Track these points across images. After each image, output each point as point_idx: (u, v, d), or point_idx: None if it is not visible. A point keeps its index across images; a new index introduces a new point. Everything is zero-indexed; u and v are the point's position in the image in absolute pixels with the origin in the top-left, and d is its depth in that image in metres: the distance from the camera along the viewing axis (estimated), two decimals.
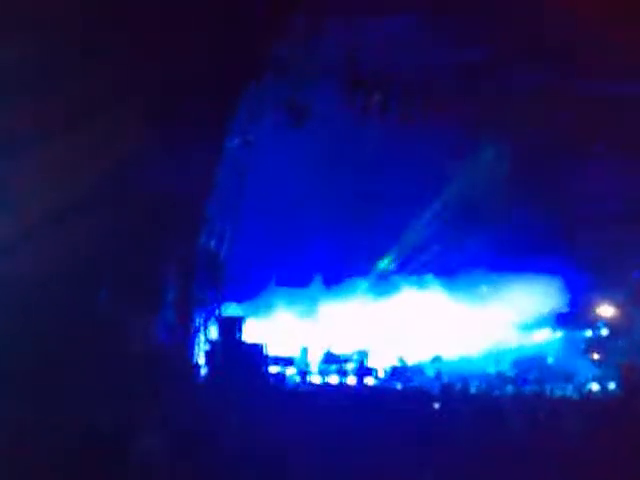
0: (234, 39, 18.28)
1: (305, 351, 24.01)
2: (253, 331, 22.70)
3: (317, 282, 25.96)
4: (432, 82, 23.16)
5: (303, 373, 23.42)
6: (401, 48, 21.34)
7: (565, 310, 27.83)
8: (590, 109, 23.27)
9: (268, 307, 24.90)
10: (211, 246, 21.42)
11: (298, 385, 22.43)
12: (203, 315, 21.08)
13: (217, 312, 21.64)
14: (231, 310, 22.96)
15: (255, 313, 24.21)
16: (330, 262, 25.89)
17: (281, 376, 22.74)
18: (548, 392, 21.74)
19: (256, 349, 21.88)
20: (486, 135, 25.70)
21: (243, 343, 21.99)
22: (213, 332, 21.41)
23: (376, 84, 23.20)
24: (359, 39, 20.97)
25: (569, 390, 22.40)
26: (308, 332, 24.85)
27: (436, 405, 19.32)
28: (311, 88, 22.34)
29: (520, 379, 24.44)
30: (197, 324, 20.79)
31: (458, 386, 22.23)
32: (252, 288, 24.91)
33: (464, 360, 25.46)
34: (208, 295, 21.30)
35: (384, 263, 26.82)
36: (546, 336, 27.15)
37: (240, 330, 22.00)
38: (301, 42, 20.21)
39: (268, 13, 18.35)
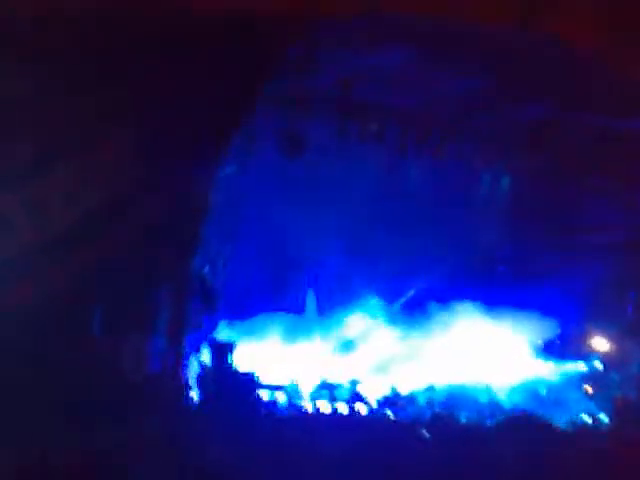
0: (228, 71, 18.40)
1: (296, 379, 23.96)
2: (245, 357, 22.71)
3: (311, 309, 25.95)
4: (429, 114, 23.30)
5: (294, 400, 23.36)
6: (398, 80, 21.46)
7: (558, 342, 27.88)
8: (589, 142, 23.41)
9: (261, 332, 24.86)
10: (205, 271, 21.48)
11: (289, 412, 22.36)
12: (195, 340, 21.09)
13: (210, 337, 21.68)
14: (224, 335, 22.97)
15: (248, 338, 24.19)
16: (325, 289, 25.93)
17: (272, 403, 22.70)
18: (540, 423, 21.64)
19: (248, 375, 21.88)
20: (484, 166, 25.86)
21: (235, 369, 22.01)
22: (205, 357, 21.43)
23: (372, 114, 23.36)
24: (355, 70, 21.10)
25: (562, 422, 22.33)
26: (300, 359, 24.79)
27: (427, 434, 19.28)
28: (306, 118, 22.54)
29: (512, 409, 24.42)
30: (189, 349, 20.78)
31: (450, 415, 22.22)
32: (245, 313, 24.88)
33: (457, 389, 25.42)
34: (201, 320, 21.34)
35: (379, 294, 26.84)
36: (539, 368, 27.14)
37: (232, 356, 22.02)
38: (296, 73, 20.35)
39: (263, 45, 18.47)
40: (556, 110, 22.22)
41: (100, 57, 17.14)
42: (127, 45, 17.23)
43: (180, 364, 20.13)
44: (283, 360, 24.59)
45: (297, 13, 17.91)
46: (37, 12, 16.14)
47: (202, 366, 20.98)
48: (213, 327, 21.88)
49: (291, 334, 25.42)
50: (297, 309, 25.86)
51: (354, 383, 24.51)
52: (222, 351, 21.75)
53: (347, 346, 26.15)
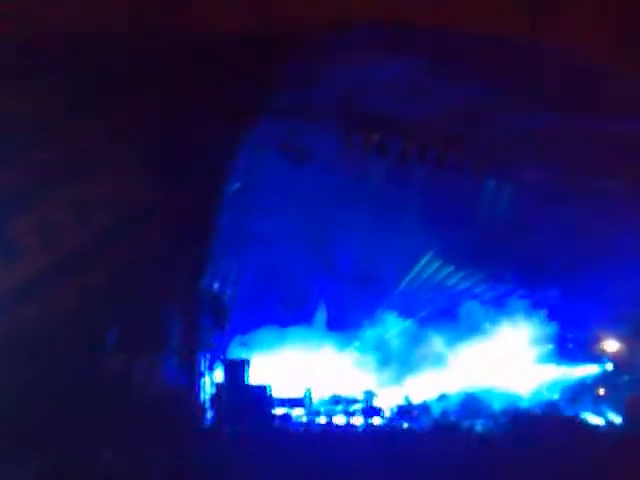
0: (229, 83, 18.42)
1: (310, 392, 23.91)
2: (258, 372, 22.66)
3: (320, 323, 25.91)
4: (431, 124, 23.25)
5: (309, 414, 23.32)
6: (400, 91, 21.41)
7: (570, 345, 27.83)
8: (595, 148, 23.36)
9: (273, 348, 24.82)
10: (215, 288, 21.46)
11: (304, 426, 22.31)
12: (208, 358, 21.07)
13: (222, 355, 21.65)
14: (236, 352, 22.94)
15: (260, 354, 24.13)
16: (334, 303, 25.87)
17: (287, 417, 22.66)
18: (554, 428, 21.58)
19: (261, 391, 21.86)
20: (488, 176, 25.81)
21: (248, 385, 21.97)
22: (218, 375, 21.39)
23: (375, 125, 23.33)
24: (357, 81, 21.08)
25: (575, 425, 22.28)
26: (313, 373, 24.74)
27: (442, 444, 19.21)
28: (310, 130, 22.54)
29: (525, 416, 24.37)
30: (202, 367, 20.76)
31: (465, 424, 22.16)
32: (256, 329, 24.85)
33: (470, 398, 25.37)
34: (213, 338, 21.31)
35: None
36: (551, 372, 27.11)
37: (245, 372, 21.99)
38: (299, 86, 20.35)
39: (265, 59, 18.49)
40: (560, 118, 22.18)
41: (103, 75, 17.22)
42: (130, 64, 17.31)
43: (194, 383, 20.12)
44: (296, 374, 24.51)
45: (298, 27, 17.96)
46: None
47: (216, 385, 20.91)
48: (225, 344, 21.82)
49: (302, 347, 25.36)
50: (308, 323, 25.79)
51: (368, 395, 24.49)
52: (236, 368, 21.72)
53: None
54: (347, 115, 22.77)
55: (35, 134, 16.95)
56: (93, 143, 17.38)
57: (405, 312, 26.57)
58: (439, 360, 26.37)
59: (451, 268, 26.80)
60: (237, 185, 21.68)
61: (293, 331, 25.20)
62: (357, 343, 26.00)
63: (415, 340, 26.54)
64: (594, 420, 23.59)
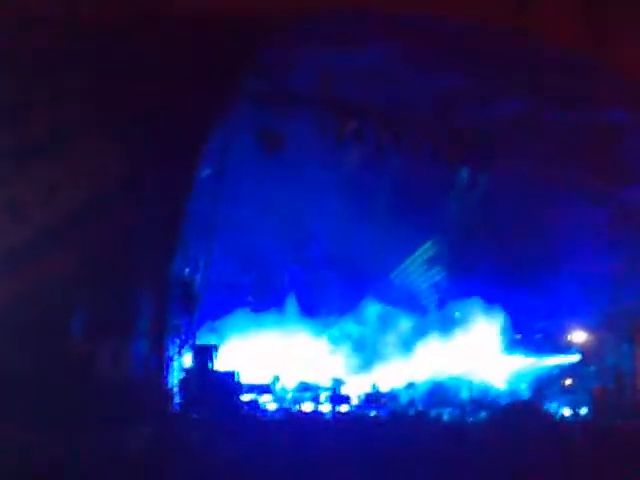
0: (205, 68, 18.28)
1: (277, 379, 23.92)
2: (227, 358, 22.62)
3: (291, 309, 25.81)
4: (407, 112, 23.24)
5: (277, 401, 23.33)
6: (376, 78, 21.39)
7: (538, 336, 28.01)
8: (567, 138, 23.45)
9: (243, 334, 24.74)
10: (186, 273, 21.35)
11: (272, 413, 22.33)
12: (177, 343, 20.96)
13: (191, 340, 21.55)
14: (205, 337, 22.86)
15: (230, 340, 24.09)
16: (305, 289, 25.80)
17: (255, 404, 22.65)
18: (521, 417, 21.74)
19: (229, 377, 21.84)
20: (462, 164, 25.85)
21: (217, 371, 21.92)
22: (187, 360, 21.31)
23: (351, 112, 23.28)
24: (334, 69, 21.02)
25: (541, 415, 22.46)
26: (282, 359, 24.71)
27: (409, 431, 19.30)
28: (285, 116, 22.43)
29: (493, 404, 24.52)
30: (171, 352, 20.66)
31: (432, 413, 22.27)
32: (227, 314, 24.76)
33: (438, 386, 25.48)
34: (182, 323, 21.21)
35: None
36: (518, 362, 27.27)
37: (214, 358, 21.93)
38: (275, 71, 20.26)
39: (239, 44, 18.37)
40: (533, 108, 22.26)
41: (81, 59, 17.07)
42: (101, 46, 17.16)
43: (163, 367, 20.01)
44: (265, 360, 24.46)
45: (279, 10, 17.88)
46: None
47: (185, 370, 20.83)
48: (195, 329, 21.73)
49: (272, 334, 25.28)
50: (279, 309, 25.68)
51: (337, 383, 24.53)
52: (204, 354, 21.65)
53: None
54: (322, 102, 22.73)
55: (2, 114, 16.75)
56: (63, 125, 17.18)
57: (376, 300, 26.59)
58: (407, 348, 26.45)
59: (423, 258, 26.85)
60: (210, 170, 21.55)
61: (264, 317, 25.12)
62: (327, 330, 25.94)
63: (385, 328, 26.59)
64: (560, 410, 23.80)
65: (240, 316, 24.84)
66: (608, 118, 22.45)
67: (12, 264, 17.01)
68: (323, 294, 25.91)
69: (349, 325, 26.29)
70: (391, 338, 26.48)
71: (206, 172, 21.17)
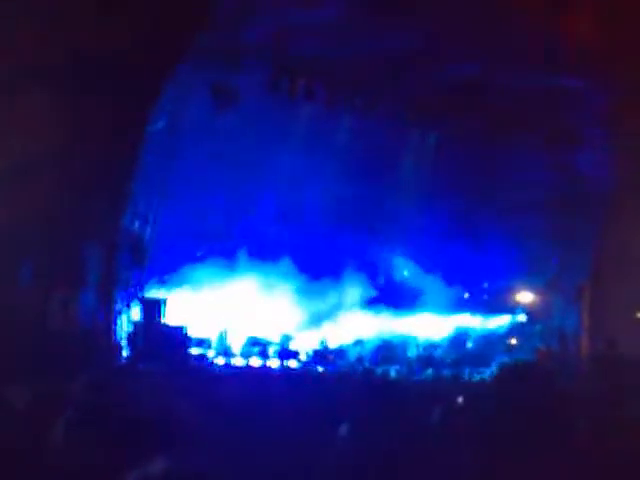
0: (157, 21, 18.07)
1: (226, 333, 23.92)
2: (176, 312, 22.60)
3: (242, 264, 25.74)
4: (359, 71, 23.18)
5: (225, 355, 23.38)
6: (328, 36, 21.29)
7: (484, 296, 28.36)
8: (520, 101, 23.55)
9: (191, 287, 24.66)
10: (135, 227, 21.29)
11: (219, 367, 22.39)
12: (125, 296, 20.95)
13: (140, 293, 21.55)
14: (154, 291, 22.83)
15: (178, 293, 24.02)
16: (257, 242, 25.66)
17: (202, 358, 22.70)
18: (466, 376, 22.04)
19: (177, 331, 21.84)
20: (414, 124, 25.90)
21: (165, 325, 21.94)
22: (135, 313, 21.31)
23: (302, 70, 23.20)
24: (286, 25, 20.88)
25: (486, 374, 22.77)
26: (231, 314, 24.69)
27: (357, 388, 19.45)
28: (237, 72, 22.29)
29: (440, 363, 24.85)
30: (119, 305, 20.65)
31: (379, 370, 22.47)
32: (175, 268, 24.64)
33: (386, 344, 25.73)
34: (131, 276, 21.19)
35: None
36: (466, 321, 27.60)
37: (162, 312, 21.95)
38: (227, 26, 20.07)
39: None
40: (484, 69, 22.31)
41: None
42: None
43: (111, 320, 20.01)
44: (215, 314, 24.42)
45: None
46: None
47: (133, 323, 20.84)
48: (144, 282, 21.71)
49: (222, 288, 25.19)
50: (229, 263, 25.57)
51: (285, 338, 24.60)
52: (153, 307, 21.66)
53: None
54: (275, 58, 22.59)
55: None
56: (11, 73, 16.93)
57: (326, 255, 26.59)
58: (353, 306, 26.61)
59: (371, 215, 26.87)
60: (163, 124, 21.41)
61: (213, 271, 25.05)
62: (278, 285, 25.89)
63: (334, 284, 26.69)
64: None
65: (189, 270, 24.75)
66: (561, 84, 22.60)
67: None
68: (274, 248, 25.83)
69: (299, 279, 26.27)
70: (338, 296, 26.61)
71: (158, 126, 21.05)
